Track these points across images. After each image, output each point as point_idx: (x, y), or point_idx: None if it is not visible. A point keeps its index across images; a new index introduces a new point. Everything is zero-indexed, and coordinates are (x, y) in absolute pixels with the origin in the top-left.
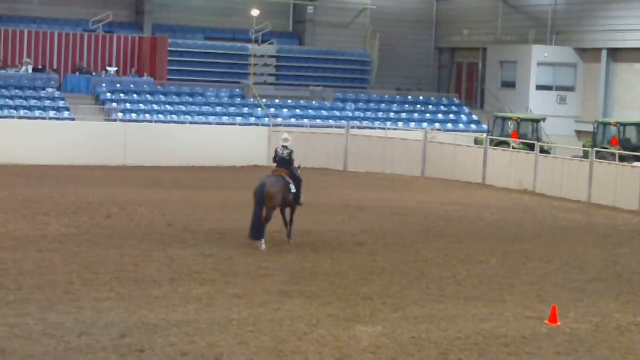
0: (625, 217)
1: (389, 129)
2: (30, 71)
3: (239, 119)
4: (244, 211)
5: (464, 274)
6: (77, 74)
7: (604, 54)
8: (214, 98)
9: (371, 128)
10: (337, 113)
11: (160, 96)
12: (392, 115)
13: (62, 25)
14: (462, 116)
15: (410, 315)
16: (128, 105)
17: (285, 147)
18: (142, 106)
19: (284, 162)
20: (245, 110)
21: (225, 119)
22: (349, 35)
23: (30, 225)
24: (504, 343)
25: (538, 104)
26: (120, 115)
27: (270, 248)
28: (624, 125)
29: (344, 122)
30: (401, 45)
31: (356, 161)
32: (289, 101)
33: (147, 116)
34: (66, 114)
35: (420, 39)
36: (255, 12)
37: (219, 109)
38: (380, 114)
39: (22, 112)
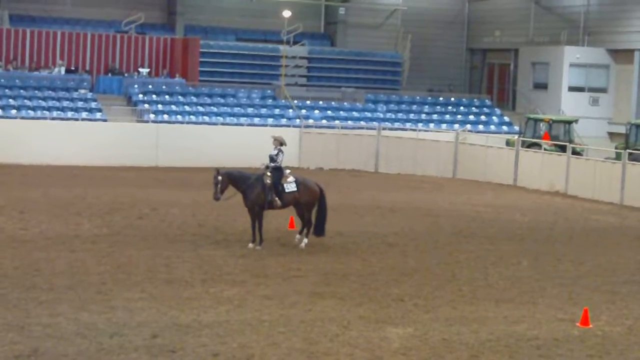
0: None
1: (420, 130)
2: (62, 72)
3: (270, 120)
4: (275, 212)
5: (496, 276)
6: (109, 75)
7: (637, 55)
8: (245, 99)
9: (402, 129)
10: (369, 114)
11: (192, 97)
12: (423, 116)
13: (94, 26)
14: (494, 117)
15: (441, 316)
16: (160, 106)
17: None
18: (173, 107)
19: None
20: (277, 111)
21: (256, 120)
22: (380, 36)
23: (62, 226)
24: (535, 345)
25: (570, 105)
26: (152, 116)
27: (301, 249)
28: None
29: (375, 124)
30: (432, 46)
31: (387, 162)
32: (320, 102)
33: (179, 117)
34: (98, 115)
35: (452, 40)
36: (286, 13)
37: (250, 110)
38: (411, 115)
39: (55, 113)
